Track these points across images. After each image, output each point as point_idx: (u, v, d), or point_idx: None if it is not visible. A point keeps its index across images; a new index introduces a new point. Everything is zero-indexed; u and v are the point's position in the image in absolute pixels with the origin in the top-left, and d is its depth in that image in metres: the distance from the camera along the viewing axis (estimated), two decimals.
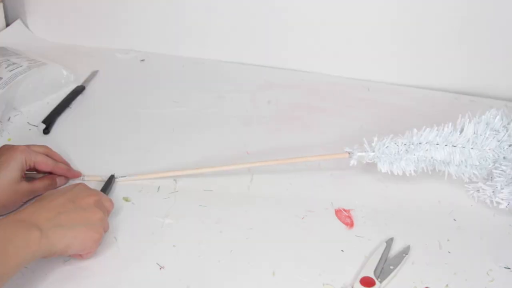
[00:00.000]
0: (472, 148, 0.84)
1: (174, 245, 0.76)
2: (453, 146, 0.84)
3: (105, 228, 0.74)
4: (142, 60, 1.26)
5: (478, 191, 0.86)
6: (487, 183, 0.85)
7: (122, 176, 0.87)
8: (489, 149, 0.84)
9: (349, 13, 1.17)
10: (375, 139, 0.86)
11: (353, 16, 1.17)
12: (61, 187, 0.77)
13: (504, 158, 0.85)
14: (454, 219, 0.84)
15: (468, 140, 0.84)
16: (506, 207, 0.83)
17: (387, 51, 1.20)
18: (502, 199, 0.83)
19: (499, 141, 0.85)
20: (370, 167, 0.89)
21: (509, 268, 0.76)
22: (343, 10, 1.17)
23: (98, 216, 0.72)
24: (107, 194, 0.83)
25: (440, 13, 1.13)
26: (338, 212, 0.84)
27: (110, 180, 0.85)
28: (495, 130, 0.85)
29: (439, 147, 0.84)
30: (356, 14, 1.17)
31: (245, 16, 1.22)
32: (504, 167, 0.83)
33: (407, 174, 0.86)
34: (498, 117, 0.85)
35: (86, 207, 0.72)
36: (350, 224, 0.82)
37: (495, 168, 0.84)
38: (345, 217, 0.83)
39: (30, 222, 0.65)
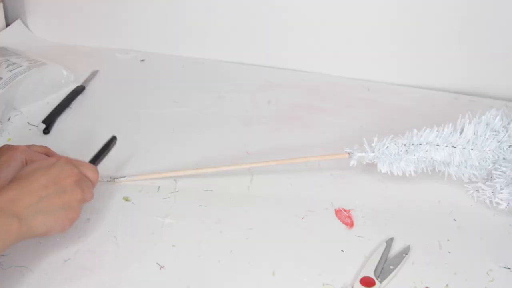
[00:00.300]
0: (472, 149, 0.84)
1: (174, 245, 0.76)
2: (453, 147, 0.84)
3: (88, 199, 0.74)
4: (142, 60, 1.26)
5: (477, 191, 0.86)
6: (487, 183, 0.85)
7: (122, 177, 0.87)
8: (489, 150, 0.84)
9: (349, 13, 1.17)
10: (375, 139, 0.86)
11: (353, 16, 1.17)
12: (42, 160, 0.76)
13: (504, 158, 0.85)
14: (454, 219, 0.84)
15: (468, 141, 0.84)
16: (506, 207, 0.83)
17: (387, 51, 1.20)
18: (501, 200, 0.83)
19: (499, 142, 0.85)
20: (370, 167, 0.88)
21: (509, 268, 0.76)
22: (343, 10, 1.17)
23: (78, 197, 0.71)
24: (105, 156, 0.84)
25: (440, 13, 1.13)
26: (338, 212, 0.84)
27: (110, 142, 0.86)
28: (495, 131, 0.85)
29: (439, 148, 0.84)
30: (356, 14, 1.17)
31: (245, 16, 1.22)
32: (504, 168, 0.83)
33: (407, 175, 0.86)
34: (498, 117, 0.85)
35: (67, 188, 0.70)
36: (350, 224, 0.82)
37: (495, 169, 0.84)
38: (345, 217, 0.83)
39: (10, 211, 0.64)
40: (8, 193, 0.66)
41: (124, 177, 0.87)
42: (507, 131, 0.85)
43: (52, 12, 1.31)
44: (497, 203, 0.84)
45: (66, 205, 0.70)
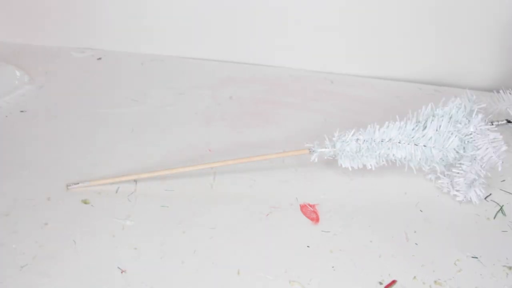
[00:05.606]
0: (433, 147, 0.83)
1: (135, 247, 0.75)
2: (415, 144, 0.83)
3: None
4: (99, 59, 1.24)
5: (438, 178, 0.87)
6: (446, 173, 0.86)
7: (75, 184, 0.84)
8: (451, 148, 0.84)
9: (309, 5, 1.16)
10: (336, 134, 0.85)
11: (314, 8, 1.17)
12: None
13: (464, 148, 0.84)
14: (421, 210, 0.83)
15: (430, 138, 0.83)
16: (463, 200, 0.84)
17: (350, 43, 1.20)
18: (458, 191, 0.84)
19: (461, 137, 0.84)
20: (334, 160, 0.88)
21: (476, 258, 0.75)
22: (304, 2, 1.16)
23: None
24: None
25: (402, 3, 1.13)
26: (303, 207, 0.83)
27: None
28: (458, 122, 0.84)
29: (401, 146, 0.83)
30: (317, 6, 1.16)
31: (204, 11, 1.21)
32: (464, 167, 0.83)
33: (368, 168, 0.85)
34: (461, 109, 0.84)
35: None
36: (315, 219, 0.81)
37: (456, 167, 0.84)
38: (311, 212, 0.82)
39: None
40: None
41: (78, 184, 0.84)
42: (468, 121, 0.84)
43: (2, 10, 1.27)
44: (455, 195, 0.85)
45: None
